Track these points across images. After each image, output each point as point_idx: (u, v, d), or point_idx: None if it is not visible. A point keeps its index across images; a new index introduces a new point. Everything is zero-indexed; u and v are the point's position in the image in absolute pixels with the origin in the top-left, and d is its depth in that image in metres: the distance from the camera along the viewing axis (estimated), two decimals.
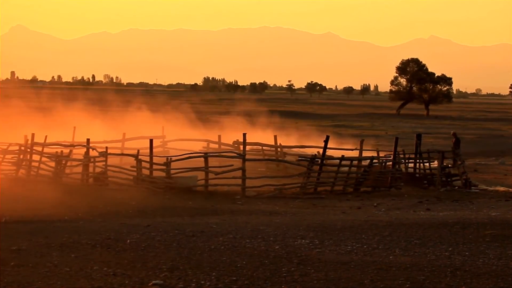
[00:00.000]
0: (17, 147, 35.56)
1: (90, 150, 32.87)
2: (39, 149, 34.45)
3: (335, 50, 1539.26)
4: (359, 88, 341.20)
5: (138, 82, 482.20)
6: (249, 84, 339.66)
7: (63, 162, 33.12)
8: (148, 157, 30.85)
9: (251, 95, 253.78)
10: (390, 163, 33.36)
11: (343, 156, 32.27)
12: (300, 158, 32.91)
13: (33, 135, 35.04)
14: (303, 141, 50.02)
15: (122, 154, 34.20)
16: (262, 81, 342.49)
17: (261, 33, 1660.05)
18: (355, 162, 32.51)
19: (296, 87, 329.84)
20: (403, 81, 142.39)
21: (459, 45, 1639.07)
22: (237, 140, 40.78)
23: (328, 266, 13.11)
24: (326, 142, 31.87)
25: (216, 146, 41.47)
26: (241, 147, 37.15)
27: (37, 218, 20.63)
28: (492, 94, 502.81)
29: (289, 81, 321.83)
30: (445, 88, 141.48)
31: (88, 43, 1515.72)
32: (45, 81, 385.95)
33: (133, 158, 31.00)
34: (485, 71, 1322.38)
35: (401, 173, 33.78)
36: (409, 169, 35.64)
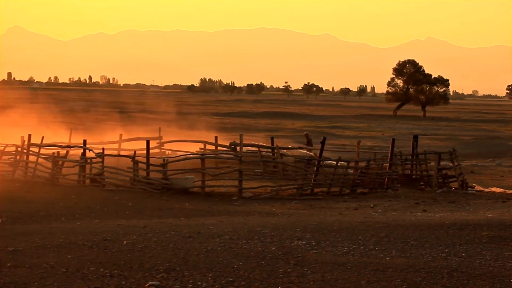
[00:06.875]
0: (13, 148, 35.51)
1: (87, 151, 32.82)
2: (36, 150, 34.39)
3: (332, 52, 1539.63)
4: (356, 90, 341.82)
5: (135, 83, 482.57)
6: (246, 85, 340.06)
7: (60, 163, 33.07)
8: (145, 158, 30.84)
9: (247, 95, 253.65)
10: (387, 164, 33.36)
11: (340, 157, 32.23)
12: (297, 160, 32.89)
13: (29, 136, 34.98)
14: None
15: (119, 155, 34.13)
16: (259, 82, 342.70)
17: (258, 34, 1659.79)
18: (352, 164, 32.48)
19: (292, 89, 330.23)
20: (399, 82, 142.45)
21: (455, 47, 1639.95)
22: (234, 141, 40.74)
23: (324, 267, 13.10)
24: (323, 143, 31.87)
25: (213, 147, 41.40)
26: (238, 148, 37.18)
27: (34, 219, 20.63)
28: (489, 96, 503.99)
29: (286, 82, 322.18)
30: (441, 90, 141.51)
31: (85, 44, 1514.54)
32: (41, 82, 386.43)
33: (130, 159, 30.97)
34: (482, 72, 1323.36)
35: (398, 174, 33.78)
36: (405, 170, 35.67)
